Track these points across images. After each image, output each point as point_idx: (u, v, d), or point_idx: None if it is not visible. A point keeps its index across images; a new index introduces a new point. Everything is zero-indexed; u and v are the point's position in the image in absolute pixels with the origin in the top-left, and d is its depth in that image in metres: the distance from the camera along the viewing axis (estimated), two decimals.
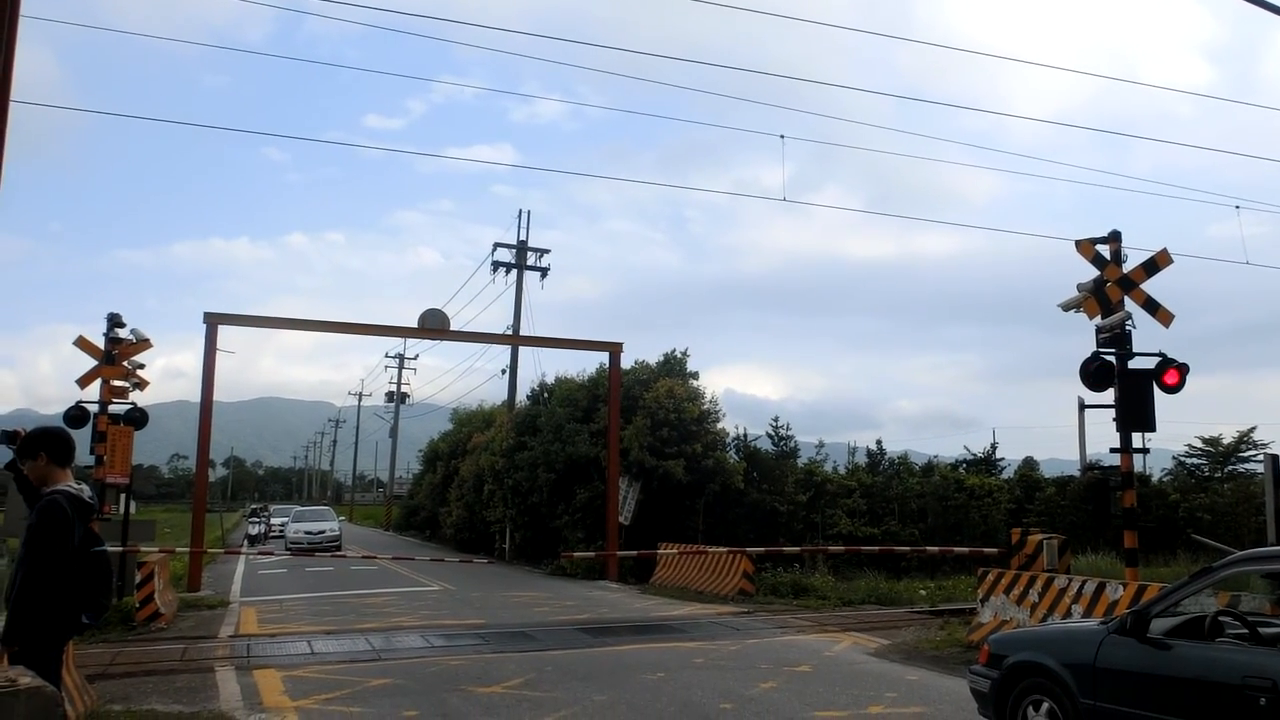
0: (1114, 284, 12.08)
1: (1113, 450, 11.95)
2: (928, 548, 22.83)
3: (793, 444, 28.71)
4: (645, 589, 21.01)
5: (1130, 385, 11.54)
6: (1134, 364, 11.73)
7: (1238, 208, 20.22)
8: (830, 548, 23.05)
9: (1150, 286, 12.20)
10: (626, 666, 10.87)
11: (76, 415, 16.23)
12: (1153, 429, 11.71)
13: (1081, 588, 10.96)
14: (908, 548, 23.15)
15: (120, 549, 15.60)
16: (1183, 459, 32.29)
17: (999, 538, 22.62)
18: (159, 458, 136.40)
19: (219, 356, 21.90)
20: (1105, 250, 12.27)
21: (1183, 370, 11.53)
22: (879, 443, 31.40)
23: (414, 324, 24.34)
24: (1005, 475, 31.08)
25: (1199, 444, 31.69)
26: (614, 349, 25.53)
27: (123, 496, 16.90)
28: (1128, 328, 11.79)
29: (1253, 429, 30.61)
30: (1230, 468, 30.75)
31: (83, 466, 15.66)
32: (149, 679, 10.22)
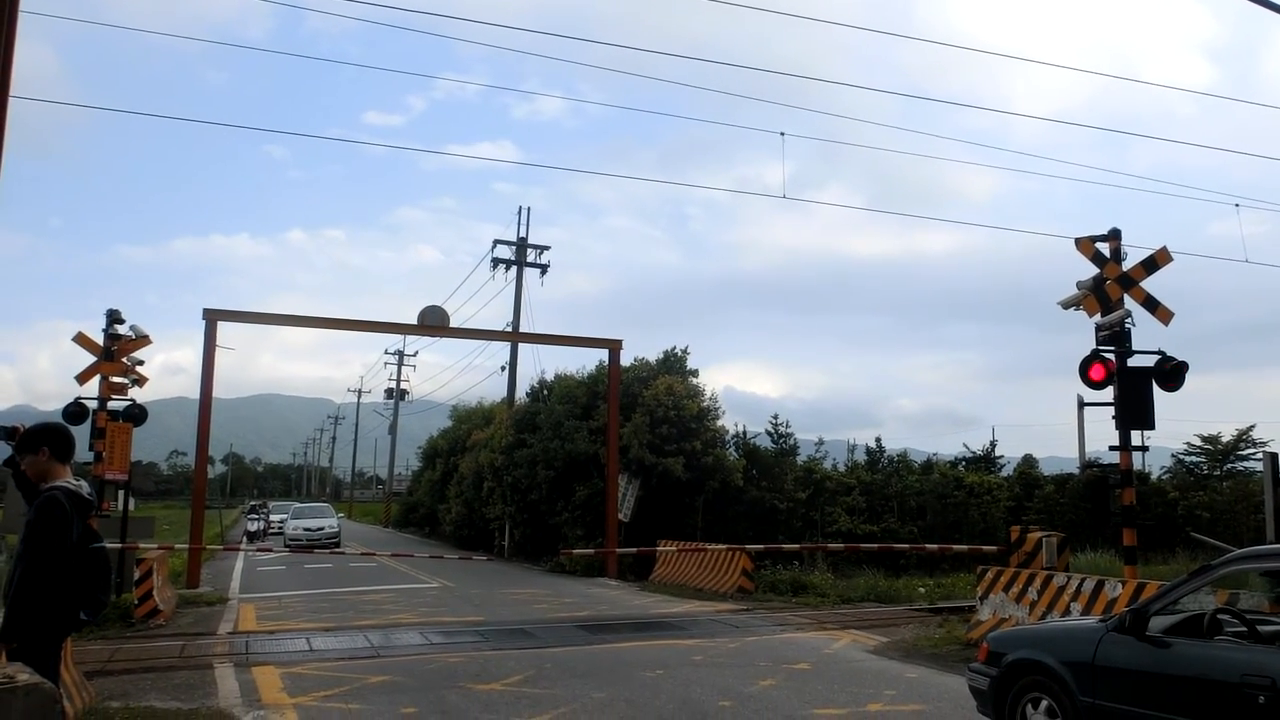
0: (1114, 282, 12.07)
1: (1112, 448, 11.96)
2: (927, 545, 22.84)
3: (792, 442, 28.74)
4: (644, 586, 21.03)
5: (1130, 383, 11.54)
6: (1133, 362, 11.73)
7: (1238, 206, 20.24)
8: (829, 545, 23.06)
9: (1150, 284, 12.20)
10: (626, 664, 10.87)
11: (75, 411, 16.23)
12: (1152, 427, 11.71)
13: (1080, 585, 10.96)
14: (907, 545, 23.16)
15: (119, 545, 15.60)
16: (1182, 457, 32.31)
17: (998, 535, 22.63)
18: (158, 454, 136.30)
19: (218, 353, 21.90)
20: (1105, 248, 12.26)
21: (1182, 368, 11.52)
22: (878, 440, 31.43)
23: (414, 321, 24.32)
24: (1004, 473, 31.10)
25: (1198, 442, 31.71)
26: (613, 346, 25.52)
27: (121, 493, 16.90)
28: (1127, 325, 11.79)
29: (1252, 427, 30.65)
30: (1229, 466, 30.78)
31: (82, 463, 15.65)
32: (147, 676, 10.22)
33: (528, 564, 27.24)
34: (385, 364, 69.26)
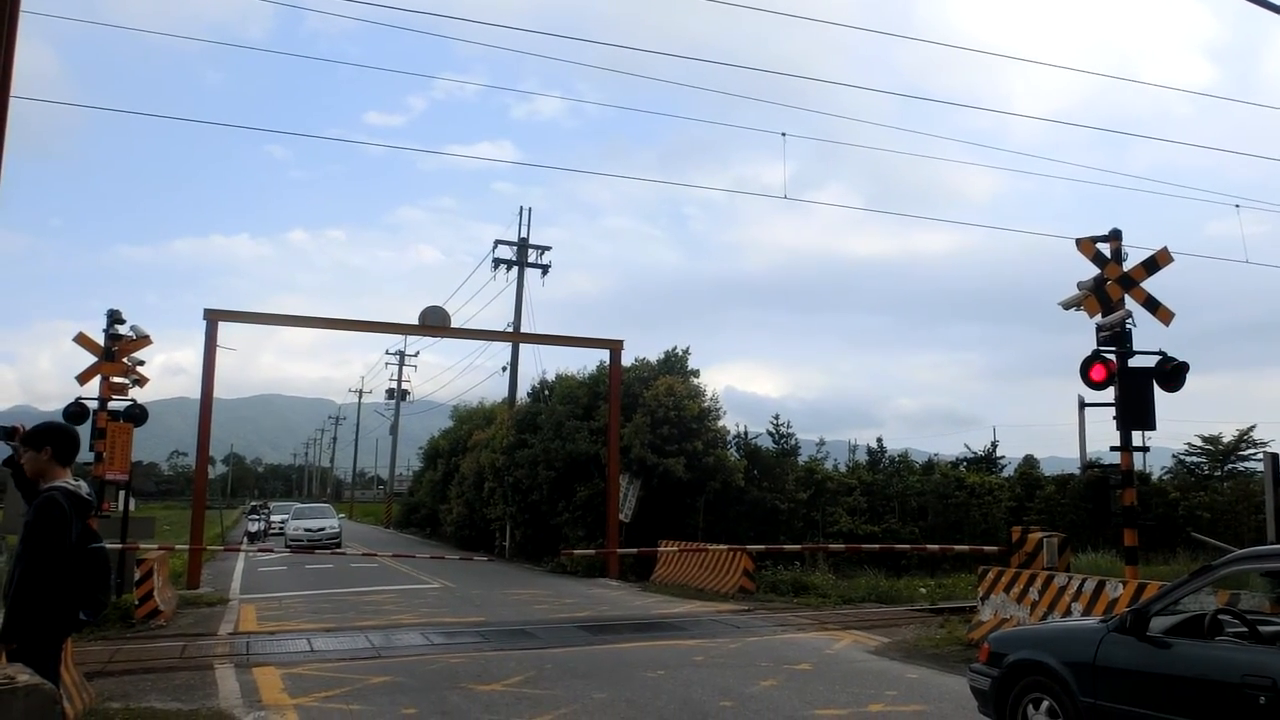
0: (1114, 282, 12.06)
1: (1113, 448, 11.94)
2: (928, 546, 22.84)
3: (793, 442, 28.73)
4: (645, 587, 21.02)
5: (1130, 384, 11.54)
6: (1134, 362, 11.72)
7: (1238, 206, 20.21)
8: (830, 546, 23.05)
9: (1150, 285, 12.19)
10: (627, 664, 10.87)
11: (76, 412, 16.22)
12: (1153, 427, 11.71)
13: (1081, 586, 10.96)
14: (908, 546, 23.15)
15: (120, 546, 15.60)
16: (1182, 457, 32.32)
17: (999, 536, 22.62)
18: (158, 455, 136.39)
19: (219, 353, 21.91)
20: (1105, 249, 12.26)
21: (1182, 369, 11.51)
22: (879, 441, 31.45)
23: (415, 321, 24.33)
24: (1005, 473, 31.11)
25: (1199, 442, 31.73)
26: (614, 346, 25.52)
27: (122, 493, 16.89)
28: (1128, 326, 11.78)
29: (1252, 427, 30.67)
30: (1230, 466, 30.79)
31: (82, 463, 15.65)
32: (148, 676, 10.22)
33: (529, 564, 27.23)
34: (386, 364, 69.29)
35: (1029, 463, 34.63)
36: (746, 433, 28.53)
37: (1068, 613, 10.81)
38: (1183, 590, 6.10)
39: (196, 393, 22.29)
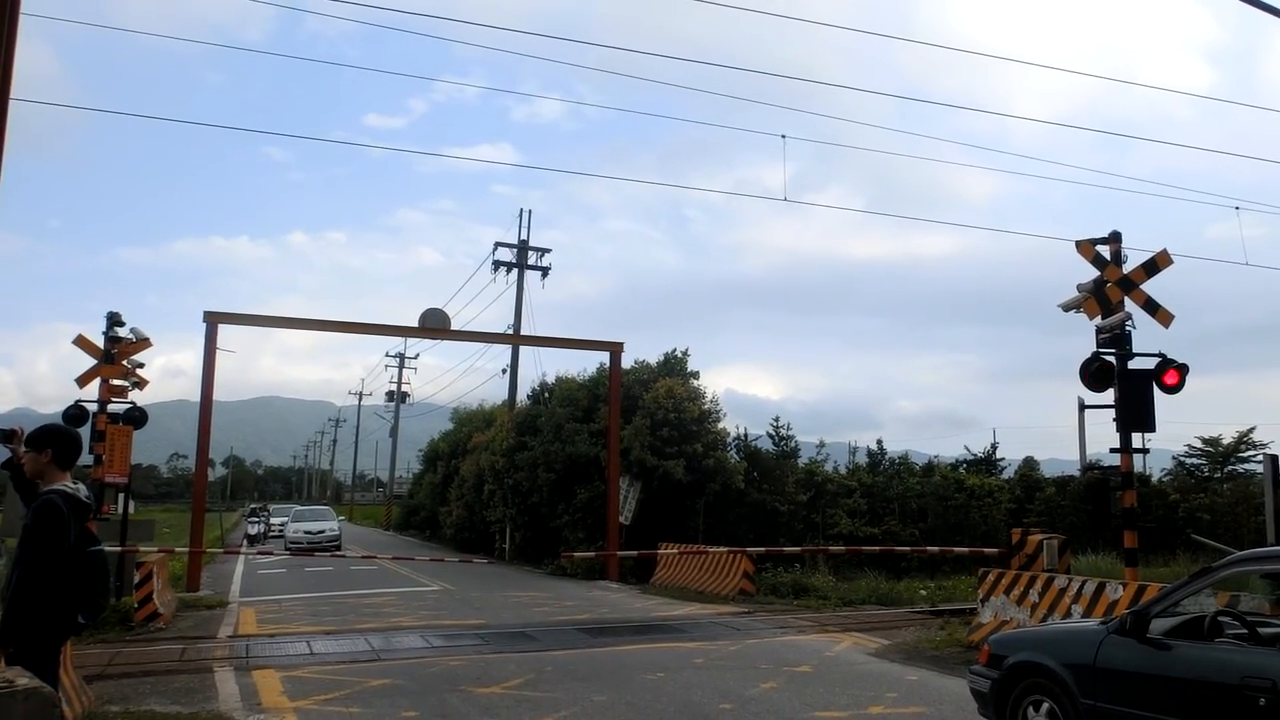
0: (1114, 284, 12.07)
1: (1113, 450, 11.95)
2: (928, 548, 22.82)
3: (793, 444, 28.72)
4: (645, 589, 21.00)
5: (1130, 385, 11.54)
6: (1134, 364, 11.73)
7: (1237, 209, 20.20)
8: (831, 548, 23.04)
9: (1150, 287, 12.20)
10: (626, 667, 10.86)
11: (76, 414, 16.21)
12: (1152, 429, 11.71)
13: (1081, 588, 10.95)
14: (908, 548, 23.13)
15: (119, 549, 15.58)
16: (1182, 459, 32.31)
17: (999, 538, 22.60)
18: (158, 457, 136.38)
19: (219, 355, 21.90)
20: (1105, 251, 12.27)
21: (1182, 370, 11.53)
22: (879, 443, 31.43)
23: (415, 323, 24.33)
24: (1005, 475, 31.08)
25: (1199, 444, 31.72)
26: (614, 349, 25.52)
27: (121, 496, 16.89)
28: (1128, 328, 11.79)
29: (1252, 429, 30.66)
30: (1230, 468, 30.77)
31: (82, 466, 15.62)
32: (147, 679, 10.20)
33: (528, 567, 27.21)
34: (386, 367, 69.26)
35: (1029, 465, 34.60)
36: (746, 435, 28.55)
37: (1068, 615, 10.80)
38: (1183, 592, 6.09)
39: (196, 395, 22.29)
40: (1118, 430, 11.71)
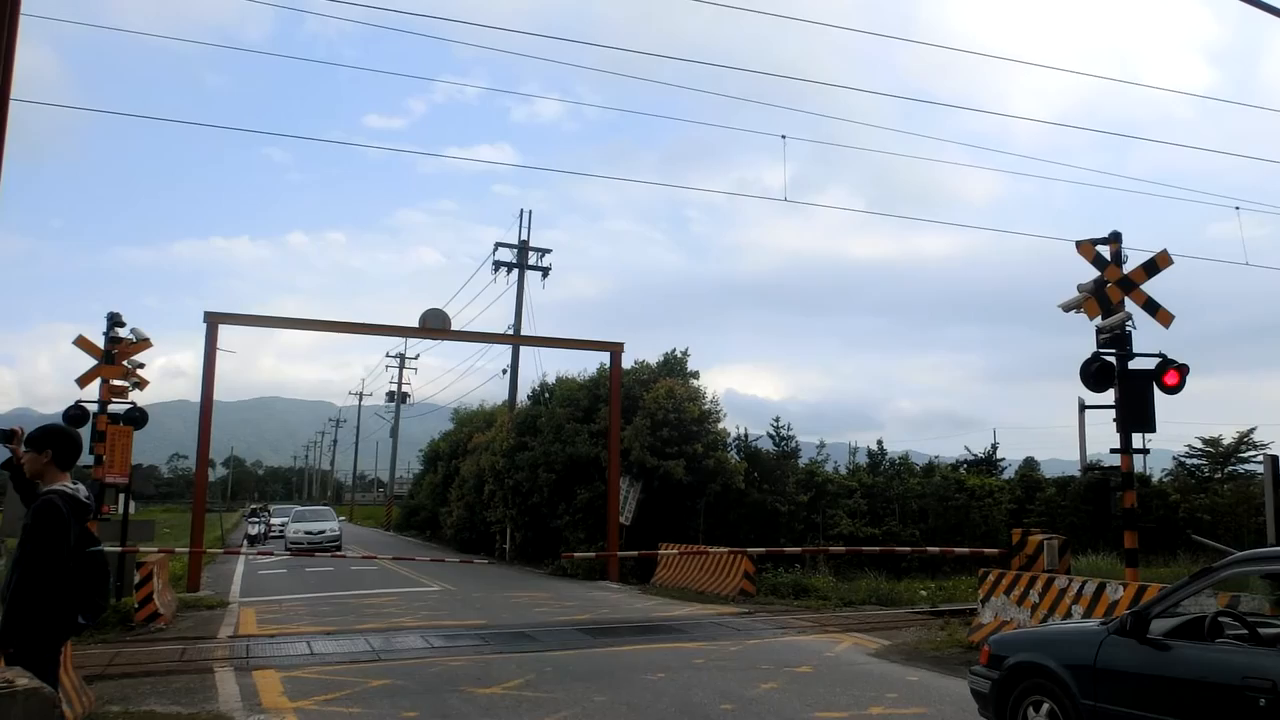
0: (1114, 285, 12.07)
1: (1113, 451, 11.94)
2: (928, 548, 22.82)
3: (794, 444, 28.75)
4: (646, 589, 21.00)
5: (1130, 386, 11.53)
6: (1134, 364, 11.72)
7: (1238, 209, 20.20)
8: (831, 548, 23.04)
9: (1150, 287, 12.19)
10: (627, 667, 10.86)
11: (76, 415, 16.21)
12: (1153, 429, 11.70)
13: (1082, 588, 10.95)
14: (908, 548, 23.13)
15: (119, 549, 15.59)
16: (1183, 459, 32.32)
17: (1000, 538, 22.62)
18: (158, 457, 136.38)
19: (219, 356, 21.91)
20: (1105, 251, 12.26)
21: (1183, 371, 11.51)
22: (880, 443, 31.47)
23: (415, 324, 24.33)
24: (1006, 475, 31.12)
25: (1199, 444, 31.74)
26: (615, 349, 25.52)
27: (122, 496, 16.89)
28: (1128, 328, 11.77)
29: (1252, 430, 30.68)
30: (1230, 468, 30.78)
31: (82, 466, 15.64)
32: (147, 680, 10.21)
33: (529, 567, 27.22)
34: (386, 367, 69.21)
35: (1029, 465, 34.65)
36: (747, 435, 28.59)
37: (1068, 615, 10.80)
38: (1183, 592, 6.09)
39: (196, 395, 22.29)
40: (1118, 430, 11.71)
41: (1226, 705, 5.20)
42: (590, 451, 25.67)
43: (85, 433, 16.39)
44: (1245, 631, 5.60)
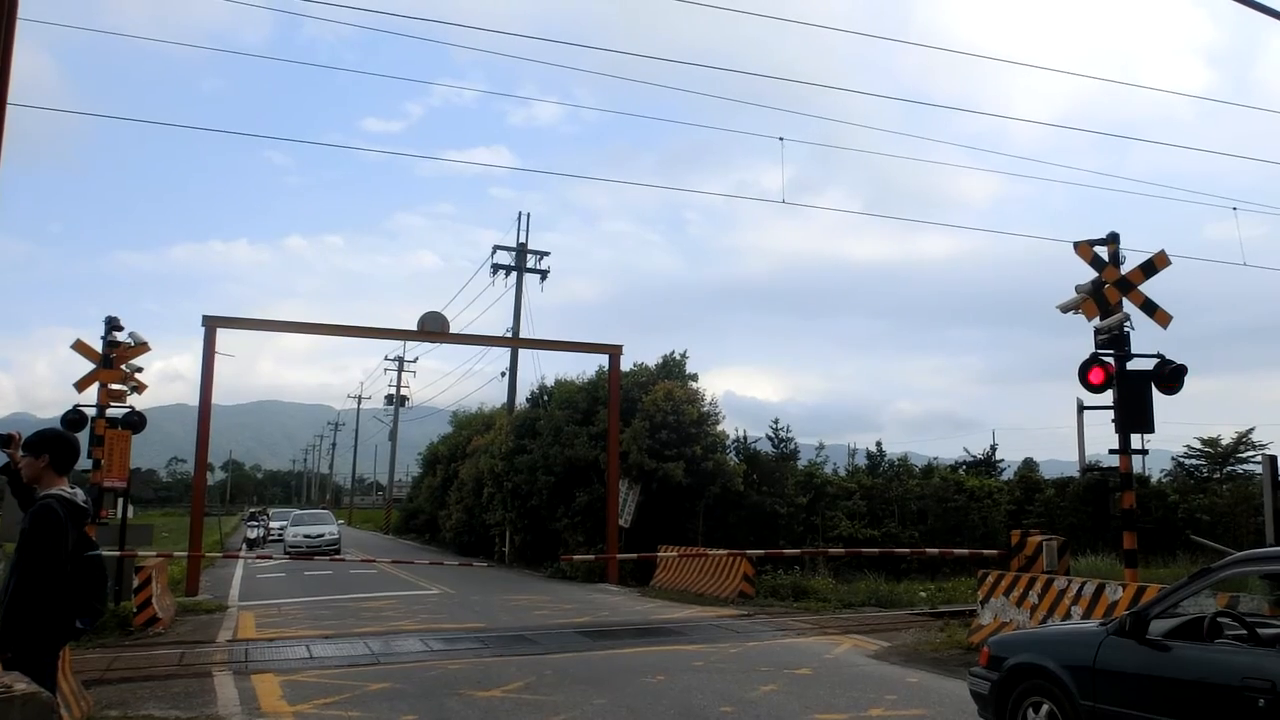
0: (1112, 286, 12.07)
1: (1112, 451, 11.94)
2: (927, 549, 22.80)
3: (793, 446, 28.75)
4: (645, 592, 20.99)
5: (1129, 387, 11.54)
6: (1132, 365, 11.73)
7: (1235, 210, 20.23)
8: (830, 550, 23.02)
9: (1148, 288, 12.20)
10: (626, 670, 10.85)
11: (74, 419, 16.19)
12: (1151, 430, 11.70)
13: (1081, 589, 10.95)
14: (908, 550, 23.12)
15: (118, 553, 15.57)
16: (1181, 460, 32.32)
17: (999, 539, 22.61)
18: (157, 461, 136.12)
19: (218, 359, 21.89)
20: (1103, 252, 12.27)
21: (1181, 371, 11.52)
22: (879, 444, 31.52)
23: (413, 327, 24.35)
24: (1005, 477, 31.13)
25: (1198, 445, 31.73)
26: (613, 351, 25.51)
27: (120, 500, 16.88)
28: (1126, 329, 11.78)
29: (1251, 430, 30.67)
30: (1229, 469, 30.78)
31: (81, 470, 15.62)
32: (146, 684, 10.19)
33: (528, 570, 27.20)
34: (385, 370, 69.21)
35: (1028, 466, 34.67)
36: (746, 437, 28.58)
37: (1067, 616, 10.80)
38: (1182, 593, 6.09)
39: (195, 399, 22.28)
40: (1116, 431, 11.71)
41: (1226, 706, 5.20)
42: (589, 454, 25.66)
43: (83, 437, 16.36)
44: (1244, 632, 5.60)
